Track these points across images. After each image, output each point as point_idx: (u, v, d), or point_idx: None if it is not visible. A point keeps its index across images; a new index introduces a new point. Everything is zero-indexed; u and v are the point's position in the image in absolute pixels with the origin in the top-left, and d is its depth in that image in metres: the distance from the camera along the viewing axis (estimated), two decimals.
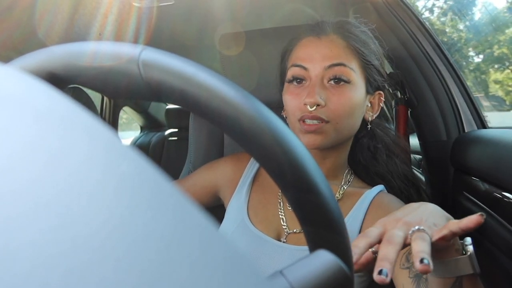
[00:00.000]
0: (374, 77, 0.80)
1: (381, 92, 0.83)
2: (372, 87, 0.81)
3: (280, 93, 0.89)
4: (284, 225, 0.81)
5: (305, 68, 0.77)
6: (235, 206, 0.87)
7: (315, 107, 0.73)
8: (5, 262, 0.11)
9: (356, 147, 0.88)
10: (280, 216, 0.82)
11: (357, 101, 0.76)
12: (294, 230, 0.79)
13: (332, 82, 0.75)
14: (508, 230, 0.77)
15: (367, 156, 0.87)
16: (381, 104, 0.84)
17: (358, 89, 0.77)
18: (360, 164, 0.88)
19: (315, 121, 0.74)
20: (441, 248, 0.52)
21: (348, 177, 0.86)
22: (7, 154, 0.14)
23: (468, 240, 0.55)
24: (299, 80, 0.78)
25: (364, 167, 0.88)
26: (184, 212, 0.17)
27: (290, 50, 0.83)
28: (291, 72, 0.79)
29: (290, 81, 0.79)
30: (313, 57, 0.77)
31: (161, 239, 0.14)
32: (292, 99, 0.78)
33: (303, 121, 0.75)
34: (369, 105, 0.82)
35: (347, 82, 0.75)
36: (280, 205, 0.84)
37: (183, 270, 0.14)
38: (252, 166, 0.93)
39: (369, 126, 0.84)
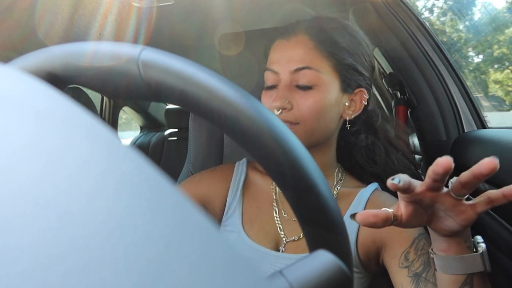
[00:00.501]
0: (350, 76, 0.78)
1: (363, 89, 0.80)
2: (350, 85, 0.78)
3: None
4: (282, 234, 0.78)
5: (275, 72, 0.77)
6: (229, 220, 0.83)
7: (281, 110, 0.74)
8: (4, 262, 0.11)
9: (351, 145, 0.86)
10: (277, 225, 0.80)
11: (327, 102, 0.75)
12: (293, 238, 0.78)
13: (297, 87, 0.75)
14: (508, 230, 0.77)
15: (364, 155, 0.86)
16: (364, 102, 0.81)
17: (328, 91, 0.75)
18: (356, 164, 0.87)
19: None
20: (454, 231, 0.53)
21: (340, 175, 0.84)
22: (7, 154, 0.14)
23: (479, 238, 0.56)
24: (270, 86, 0.79)
25: (360, 167, 0.87)
26: (183, 213, 0.17)
27: (267, 54, 0.83)
28: (265, 77, 0.80)
29: (266, 88, 0.80)
30: (281, 61, 0.77)
31: (161, 240, 0.14)
32: (266, 103, 0.78)
33: None
34: (347, 103, 0.79)
35: (310, 88, 0.74)
36: (275, 213, 0.81)
37: (182, 271, 0.14)
38: (239, 176, 0.88)
39: (348, 126, 0.82)
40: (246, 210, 0.83)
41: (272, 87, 0.79)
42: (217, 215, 0.86)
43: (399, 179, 0.48)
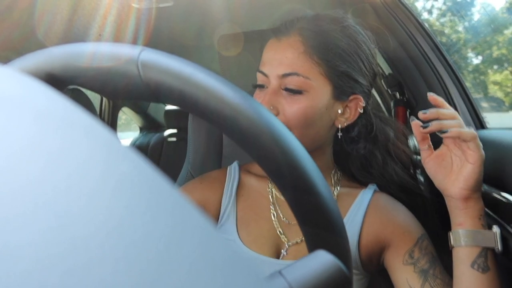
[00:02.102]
0: (344, 83, 0.74)
1: (359, 96, 0.76)
2: (343, 93, 0.74)
3: None
4: (283, 237, 0.76)
5: (265, 75, 0.74)
6: (223, 228, 0.79)
7: None
8: (4, 262, 0.11)
9: (346, 154, 0.83)
10: (277, 229, 0.77)
11: (315, 110, 0.72)
12: (296, 241, 0.75)
13: (285, 91, 0.72)
14: (507, 231, 0.77)
15: (358, 166, 0.83)
16: (359, 110, 0.77)
17: (316, 98, 0.72)
18: (350, 172, 0.85)
19: None
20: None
21: (337, 176, 0.82)
22: (6, 154, 0.14)
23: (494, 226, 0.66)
24: (260, 86, 0.76)
25: (352, 175, 0.84)
26: (183, 213, 0.17)
27: (262, 53, 0.80)
28: (257, 77, 0.77)
29: (255, 87, 0.78)
30: (271, 63, 0.74)
31: (160, 240, 0.14)
32: None
33: None
34: (340, 111, 0.76)
35: (299, 93, 0.71)
36: (273, 217, 0.78)
37: (182, 271, 0.14)
38: (232, 180, 0.84)
39: (339, 134, 0.77)
40: (241, 217, 0.79)
41: (261, 89, 0.76)
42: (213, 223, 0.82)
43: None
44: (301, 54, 0.72)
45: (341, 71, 0.73)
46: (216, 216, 0.81)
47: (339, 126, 0.77)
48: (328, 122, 0.75)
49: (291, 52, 0.72)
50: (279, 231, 0.76)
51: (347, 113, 0.77)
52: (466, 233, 0.64)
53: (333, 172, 0.82)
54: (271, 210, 0.79)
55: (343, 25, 0.75)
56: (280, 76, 0.72)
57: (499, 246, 0.63)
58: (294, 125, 0.71)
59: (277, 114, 0.72)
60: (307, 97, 0.71)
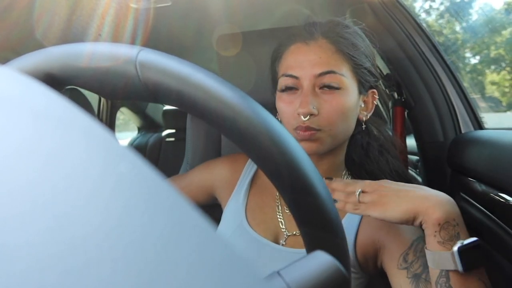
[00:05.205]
0: (366, 78, 0.79)
1: (374, 90, 0.83)
2: (364, 87, 0.80)
3: (273, 96, 0.88)
4: (283, 228, 0.80)
5: (296, 77, 0.76)
6: (233, 209, 0.86)
7: (308, 116, 0.73)
8: (3, 262, 0.11)
9: (350, 145, 0.87)
10: (279, 219, 0.82)
11: (350, 105, 0.76)
12: (294, 233, 0.79)
13: (324, 88, 0.75)
14: (505, 230, 0.77)
15: (360, 154, 0.87)
16: (375, 102, 0.83)
17: (350, 93, 0.76)
18: (355, 163, 0.87)
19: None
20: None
21: (346, 178, 0.84)
22: (5, 155, 0.14)
23: (470, 239, 0.57)
24: (291, 88, 0.77)
25: (359, 166, 0.87)
26: (181, 213, 0.17)
27: (280, 57, 0.82)
28: (283, 81, 0.78)
29: (283, 91, 0.79)
30: (303, 65, 0.76)
31: (158, 240, 0.14)
32: (285, 107, 0.77)
33: (297, 131, 0.75)
34: (363, 105, 0.81)
35: (338, 88, 0.74)
36: (278, 208, 0.83)
37: (180, 271, 0.14)
38: (250, 167, 0.92)
39: (363, 126, 0.83)
40: (251, 201, 0.86)
41: (292, 92, 0.78)
42: (224, 201, 0.90)
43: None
44: (334, 54, 0.76)
45: (364, 67, 0.78)
46: (228, 195, 0.90)
47: (363, 119, 0.82)
48: (356, 116, 0.80)
49: (324, 53, 0.76)
50: (281, 222, 0.81)
51: (366, 107, 0.83)
52: (428, 255, 0.61)
53: (343, 172, 0.86)
54: (276, 201, 0.84)
55: (354, 28, 0.81)
56: (315, 76, 0.74)
57: (459, 267, 0.56)
58: (332, 123, 0.74)
59: (317, 114, 0.74)
60: (342, 93, 0.75)
